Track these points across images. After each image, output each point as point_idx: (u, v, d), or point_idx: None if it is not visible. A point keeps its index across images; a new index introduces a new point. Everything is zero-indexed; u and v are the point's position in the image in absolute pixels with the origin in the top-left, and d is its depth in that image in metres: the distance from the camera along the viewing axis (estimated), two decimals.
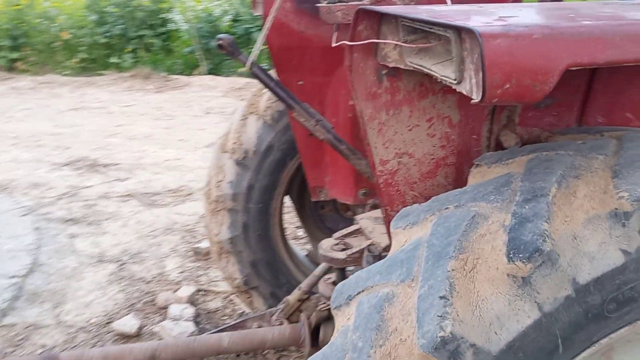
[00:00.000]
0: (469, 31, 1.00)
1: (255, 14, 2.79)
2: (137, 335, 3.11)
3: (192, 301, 3.42)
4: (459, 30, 1.04)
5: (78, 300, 3.43)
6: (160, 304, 3.40)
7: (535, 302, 1.04)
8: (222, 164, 2.79)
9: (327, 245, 2.16)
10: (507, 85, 0.95)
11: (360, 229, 2.21)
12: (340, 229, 3.17)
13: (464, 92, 1.06)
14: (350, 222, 3.18)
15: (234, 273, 2.88)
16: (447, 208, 1.23)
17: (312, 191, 2.78)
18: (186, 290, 3.48)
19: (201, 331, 3.16)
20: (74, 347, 3.02)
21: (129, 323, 3.13)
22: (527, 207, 1.10)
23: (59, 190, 5.36)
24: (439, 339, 1.03)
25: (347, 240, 2.19)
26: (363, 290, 1.26)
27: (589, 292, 1.05)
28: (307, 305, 2.69)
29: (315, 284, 2.65)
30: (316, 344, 2.31)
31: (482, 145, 1.55)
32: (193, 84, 11.40)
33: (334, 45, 1.59)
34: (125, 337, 3.09)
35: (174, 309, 3.26)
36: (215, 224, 2.84)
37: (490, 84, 0.94)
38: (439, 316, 1.05)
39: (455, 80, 1.09)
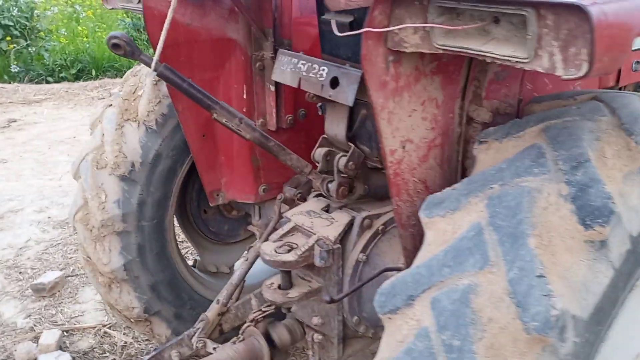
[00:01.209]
0: (553, 7, 1.05)
1: (109, 8, 2.47)
2: None
3: (60, 346, 2.93)
4: (537, 7, 1.08)
5: None
6: (23, 358, 2.84)
7: (610, 261, 1.17)
8: (102, 183, 2.43)
9: (270, 249, 2.06)
10: (605, 58, 1.04)
11: (296, 226, 2.16)
12: (226, 232, 3.08)
13: (539, 69, 1.11)
14: (235, 222, 3.08)
15: (130, 302, 2.55)
16: (492, 188, 1.30)
17: (210, 196, 2.61)
18: (50, 336, 2.96)
19: None
20: None
21: None
22: (578, 174, 1.22)
23: None
24: (553, 318, 1.09)
25: (288, 240, 2.12)
26: (430, 287, 1.26)
27: (639, 243, 1.22)
28: (226, 318, 2.55)
29: (232, 294, 2.52)
30: (276, 352, 2.20)
31: (455, 123, 1.65)
32: None
33: (345, 34, 1.48)
34: None
35: None
36: (101, 253, 2.47)
37: (596, 57, 1.02)
38: (544, 295, 1.11)
39: (526, 58, 1.13)
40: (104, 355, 2.95)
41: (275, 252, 2.05)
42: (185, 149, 2.52)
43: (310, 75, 2.01)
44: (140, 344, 3.05)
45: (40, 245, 4.08)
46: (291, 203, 2.55)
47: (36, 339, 3.01)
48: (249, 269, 2.57)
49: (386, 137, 1.46)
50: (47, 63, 10.10)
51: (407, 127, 1.50)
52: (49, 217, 4.57)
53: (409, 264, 1.63)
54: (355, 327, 2.19)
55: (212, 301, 2.77)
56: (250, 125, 2.07)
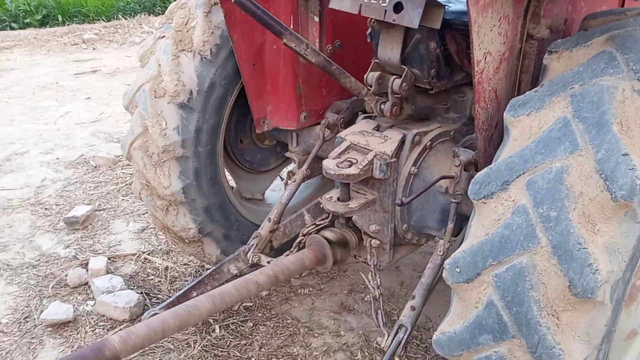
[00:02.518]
0: None
1: None
2: (73, 320, 2.74)
3: (108, 271, 3.10)
4: None
5: None
6: (74, 283, 3.00)
7: None
8: (161, 111, 2.56)
9: (332, 164, 2.27)
10: None
11: (351, 144, 2.37)
12: (259, 161, 3.27)
13: None
14: (267, 151, 3.27)
15: (186, 224, 2.73)
16: (573, 88, 1.56)
17: (257, 123, 2.79)
18: (98, 262, 3.12)
19: (147, 296, 2.95)
20: (5, 352, 2.52)
21: (60, 310, 2.72)
22: None
23: None
24: (637, 187, 1.37)
25: (346, 157, 2.34)
26: (525, 172, 1.52)
27: None
28: (276, 235, 2.77)
29: (282, 212, 2.73)
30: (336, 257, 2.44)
31: (517, 39, 1.88)
32: None
33: None
34: (61, 326, 2.70)
35: (99, 283, 2.93)
36: (161, 177, 2.63)
37: None
38: (630, 169, 1.38)
39: None
40: (149, 278, 3.14)
41: (339, 166, 2.28)
42: (234, 78, 2.67)
43: (372, 1, 2.19)
44: (180, 268, 3.25)
45: (57, 183, 4.16)
46: (333, 127, 2.76)
47: (81, 266, 3.16)
48: (296, 190, 2.80)
49: (475, 49, 1.68)
50: (10, 9, 9.71)
51: (488, 41, 1.73)
52: (57, 159, 4.61)
53: (484, 163, 1.90)
54: (403, 234, 2.46)
55: (252, 224, 3.00)
56: (315, 50, 2.25)
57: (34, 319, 2.74)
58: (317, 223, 2.58)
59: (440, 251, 2.25)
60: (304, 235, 2.57)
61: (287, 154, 3.03)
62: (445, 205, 2.33)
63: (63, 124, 5.49)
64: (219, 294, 2.09)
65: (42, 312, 2.75)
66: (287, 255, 2.58)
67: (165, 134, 2.56)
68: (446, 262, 1.68)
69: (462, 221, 2.28)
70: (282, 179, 3.49)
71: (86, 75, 7.38)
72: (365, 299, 3.03)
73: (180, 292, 2.66)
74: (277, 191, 3.62)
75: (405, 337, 2.14)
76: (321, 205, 2.41)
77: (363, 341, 2.74)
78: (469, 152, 2.19)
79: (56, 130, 5.29)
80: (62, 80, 7.11)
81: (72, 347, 2.58)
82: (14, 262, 3.19)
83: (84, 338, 2.64)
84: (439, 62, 2.37)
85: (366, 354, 2.65)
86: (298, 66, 2.71)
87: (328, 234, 2.48)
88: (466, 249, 1.62)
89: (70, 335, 2.66)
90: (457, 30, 2.36)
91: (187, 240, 2.81)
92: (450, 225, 2.23)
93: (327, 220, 2.56)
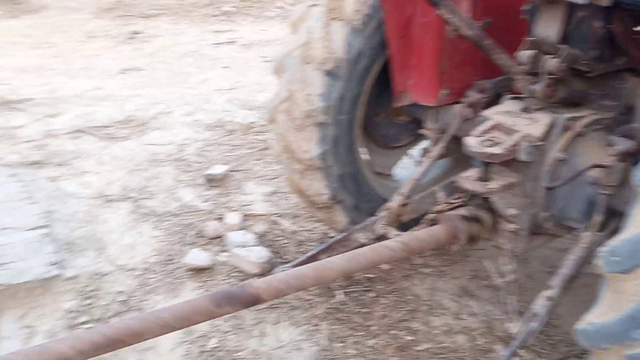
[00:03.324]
0: None
1: None
2: (210, 268, 2.95)
3: (243, 227, 3.29)
4: None
5: (118, 243, 3.11)
6: (211, 235, 3.22)
7: None
8: (308, 77, 2.65)
9: (475, 142, 2.23)
10: None
11: (497, 124, 2.31)
12: (392, 136, 3.28)
13: None
14: (400, 127, 3.27)
15: (321, 189, 2.82)
16: None
17: (397, 95, 2.79)
18: (234, 217, 3.33)
19: (276, 255, 3.09)
20: (152, 288, 2.78)
21: (199, 257, 2.94)
22: None
23: None
24: None
25: (490, 136, 2.27)
26: None
27: None
28: (405, 210, 2.78)
29: (414, 187, 2.73)
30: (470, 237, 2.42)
31: None
32: (51, 7, 10.01)
33: None
34: (200, 271, 2.91)
35: (234, 237, 3.12)
36: (302, 141, 2.73)
37: None
38: None
39: None
40: (277, 239, 3.29)
41: (481, 145, 2.22)
42: (380, 49, 2.69)
43: None
44: (306, 233, 3.37)
45: (197, 143, 4.46)
46: (475, 107, 2.70)
47: (217, 220, 3.38)
48: (429, 167, 2.78)
49: None
50: None
51: None
52: (195, 120, 4.93)
53: None
54: (542, 222, 2.36)
55: (380, 197, 3.03)
56: (470, 23, 2.20)
57: (177, 262, 2.98)
58: (451, 201, 2.56)
59: (584, 243, 2.13)
60: (436, 212, 2.55)
61: (422, 131, 3.01)
62: (592, 197, 2.20)
63: (203, 90, 5.85)
64: (353, 255, 2.15)
65: (183, 256, 2.99)
66: (417, 230, 2.59)
67: (309, 100, 2.64)
68: (602, 250, 1.60)
69: (609, 215, 2.15)
70: (410, 157, 3.47)
71: (224, 46, 7.78)
72: (489, 285, 2.96)
73: (309, 254, 2.77)
74: (403, 168, 3.62)
75: (539, 326, 2.07)
76: (456, 184, 2.38)
77: (485, 327, 2.69)
78: (628, 142, 2.05)
79: (197, 95, 5.64)
80: (202, 49, 7.55)
81: (209, 291, 2.78)
82: (159, 210, 3.48)
83: (219, 284, 2.84)
84: (602, 43, 2.22)
85: (488, 339, 2.60)
86: (444, 41, 2.67)
87: (463, 212, 2.44)
88: (627, 238, 1.53)
89: (206, 280, 2.87)
90: (627, 10, 2.19)
91: (318, 206, 2.91)
92: (597, 218, 2.11)
93: (462, 199, 2.53)
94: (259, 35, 8.31)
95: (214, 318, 1.81)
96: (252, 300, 1.80)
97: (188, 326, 1.73)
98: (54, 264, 2.70)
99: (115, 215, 3.38)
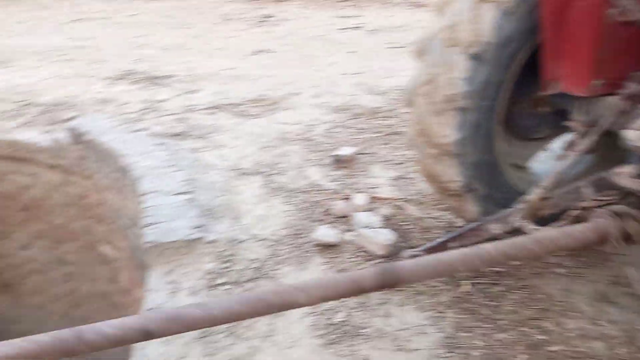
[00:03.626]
0: None
1: None
2: (337, 245, 3.01)
3: (369, 209, 3.32)
4: None
5: (251, 214, 3.27)
6: (338, 214, 3.29)
7: None
8: (452, 60, 2.59)
9: (636, 136, 2.07)
10: None
11: None
12: (531, 127, 3.13)
13: None
14: (542, 118, 3.11)
15: (454, 175, 2.77)
16: None
17: (545, 83, 2.65)
18: (360, 198, 3.37)
19: (401, 239, 3.09)
20: (282, 259, 2.90)
21: (329, 233, 3.02)
22: None
23: (136, 105, 4.98)
24: None
25: None
26: None
27: None
28: (545, 204, 2.65)
29: (557, 182, 2.59)
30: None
31: None
32: None
33: None
34: (327, 247, 2.99)
35: (361, 217, 3.16)
36: (440, 126, 2.68)
37: None
38: None
39: None
40: (402, 224, 3.28)
41: None
42: (529, 35, 2.56)
43: None
44: (432, 220, 3.33)
45: (324, 125, 4.55)
46: (634, 100, 2.50)
47: (344, 200, 3.44)
48: (576, 161, 2.63)
49: None
50: None
51: None
52: (323, 102, 5.03)
53: None
54: None
55: (515, 190, 2.91)
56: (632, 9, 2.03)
57: (305, 237, 3.07)
58: (599, 198, 2.40)
59: None
60: (582, 209, 2.41)
61: (568, 124, 2.84)
62: None
63: (330, 73, 5.94)
64: (508, 245, 2.06)
65: (312, 232, 3.08)
66: (559, 227, 2.46)
67: (452, 84, 2.59)
68: None
69: None
70: (548, 150, 3.30)
71: (350, 31, 7.85)
72: (632, 293, 2.75)
73: (439, 240, 2.74)
74: (541, 162, 3.45)
75: None
76: (607, 180, 2.23)
77: (626, 336, 2.51)
78: None
79: (324, 78, 5.75)
80: (329, 33, 7.67)
81: (335, 267, 2.85)
82: (289, 186, 3.61)
83: (345, 262, 2.89)
84: None
85: (631, 350, 2.43)
86: (604, 27, 2.49)
87: (616, 210, 2.28)
88: None
89: (333, 257, 2.93)
90: None
91: (450, 193, 2.85)
92: None
93: (613, 197, 2.36)
94: (385, 21, 8.28)
95: (361, 294, 1.85)
96: (397, 282, 1.81)
97: (336, 299, 1.78)
98: (197, 228, 2.90)
99: (248, 188, 3.55)
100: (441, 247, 2.68)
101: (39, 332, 1.40)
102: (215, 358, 2.33)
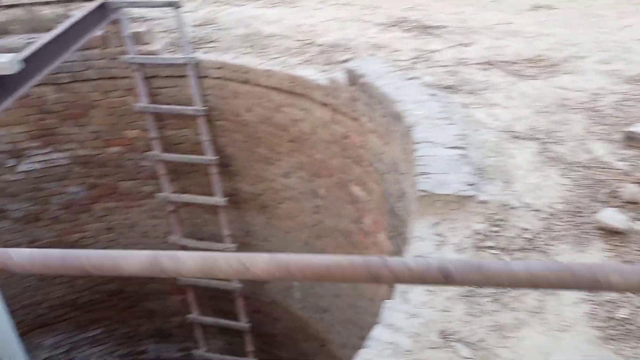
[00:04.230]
0: None
1: None
2: (624, 233, 2.66)
3: None
4: None
5: (523, 181, 3.07)
6: (627, 198, 2.89)
7: None
8: None
9: None
10: None
11: None
12: None
13: None
14: None
15: None
16: None
17: None
18: None
19: None
20: (557, 235, 2.67)
21: (616, 217, 2.68)
22: None
23: (407, 53, 5.00)
24: None
25: None
26: None
27: None
28: None
29: None
30: None
31: None
32: None
33: None
34: (611, 233, 2.66)
35: None
36: None
37: None
38: None
39: None
40: None
41: None
42: None
43: None
44: None
45: (614, 95, 4.02)
46: None
47: (635, 183, 3.01)
48: None
49: None
50: None
51: None
52: (613, 70, 4.43)
53: None
54: None
55: None
56: None
57: (586, 217, 2.78)
58: None
59: None
60: None
61: None
62: None
63: (621, 37, 5.20)
64: None
65: (594, 213, 2.77)
66: None
67: None
68: None
69: None
70: None
71: None
72: None
73: None
74: None
75: None
76: None
77: None
78: None
79: (614, 42, 5.06)
80: None
81: (619, 256, 2.53)
82: (567, 158, 3.29)
83: (632, 254, 2.54)
84: None
85: None
86: None
87: None
88: None
89: (617, 246, 2.60)
90: None
91: None
92: None
93: None
94: None
95: None
96: None
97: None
98: (470, 185, 2.81)
99: (521, 152, 3.32)
100: None
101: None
102: (479, 320, 2.26)
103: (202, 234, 6.93)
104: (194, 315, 7.07)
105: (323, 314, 6.62)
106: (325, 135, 5.19)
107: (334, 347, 6.58)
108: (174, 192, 6.42)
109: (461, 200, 2.75)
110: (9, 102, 3.23)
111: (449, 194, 2.74)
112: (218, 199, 6.21)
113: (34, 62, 3.44)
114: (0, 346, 4.52)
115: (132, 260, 1.35)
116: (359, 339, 5.78)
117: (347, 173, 5.17)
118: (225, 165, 6.26)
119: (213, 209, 6.45)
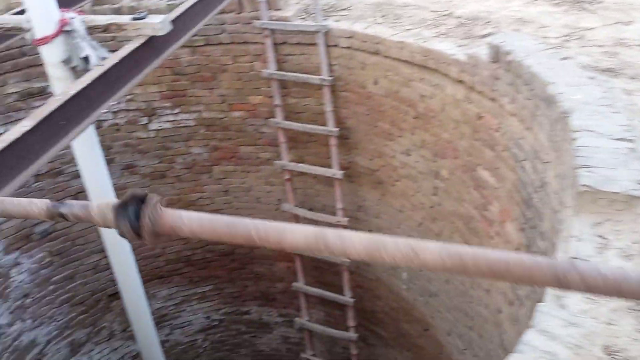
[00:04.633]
0: None
1: None
2: None
3: None
4: None
5: None
6: None
7: None
8: None
9: None
10: None
11: None
12: None
13: None
14: None
15: None
16: None
17: None
18: None
19: None
20: None
21: None
22: None
23: (557, 30, 4.55)
24: None
25: None
26: None
27: None
28: None
29: None
30: None
31: None
32: None
33: None
34: None
35: None
36: None
37: None
38: None
39: None
40: None
41: None
42: None
43: None
44: None
45: None
46: None
47: None
48: None
49: None
50: None
51: None
52: None
53: None
54: None
55: None
56: None
57: None
58: None
59: None
60: None
61: None
62: None
63: None
64: None
65: None
66: None
67: None
68: None
69: None
70: None
71: None
72: None
73: None
74: None
75: None
76: None
77: None
78: None
79: None
80: None
81: None
82: None
83: None
84: None
85: None
86: None
87: None
88: None
89: None
90: None
91: None
92: None
93: None
94: None
95: None
96: None
97: None
98: None
99: None
100: None
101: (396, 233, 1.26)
102: None
103: (313, 204, 6.92)
104: (299, 284, 7.13)
105: (429, 298, 6.41)
106: (455, 114, 4.90)
107: (438, 333, 6.37)
108: (292, 160, 6.44)
109: (630, 201, 2.41)
110: (157, 62, 3.30)
111: (617, 192, 2.41)
112: (335, 171, 6.14)
113: (180, 24, 3.48)
114: (128, 290, 4.80)
115: (298, 233, 1.26)
116: (467, 328, 5.52)
117: (476, 156, 4.86)
118: (344, 138, 6.16)
119: (327, 180, 6.40)
